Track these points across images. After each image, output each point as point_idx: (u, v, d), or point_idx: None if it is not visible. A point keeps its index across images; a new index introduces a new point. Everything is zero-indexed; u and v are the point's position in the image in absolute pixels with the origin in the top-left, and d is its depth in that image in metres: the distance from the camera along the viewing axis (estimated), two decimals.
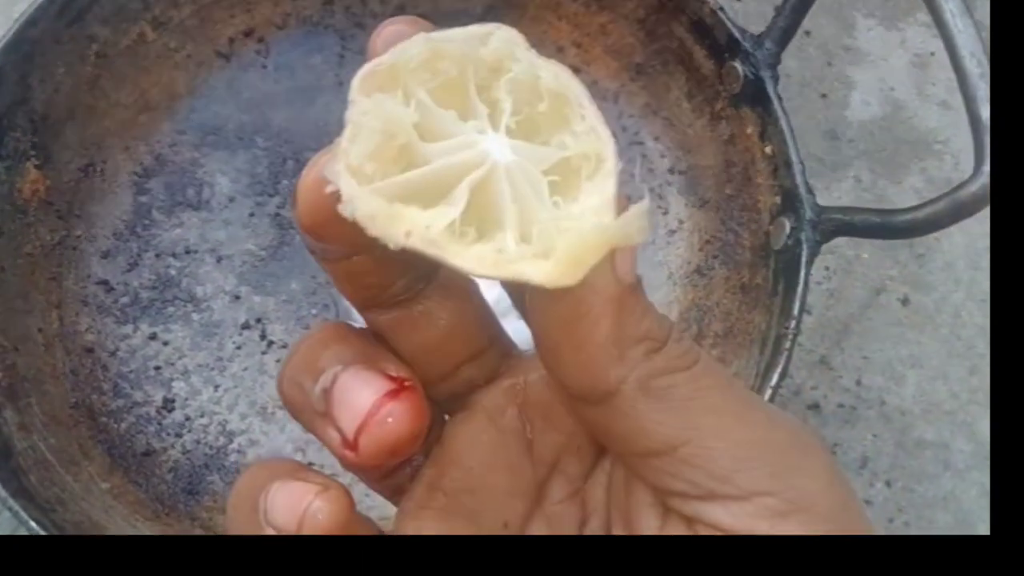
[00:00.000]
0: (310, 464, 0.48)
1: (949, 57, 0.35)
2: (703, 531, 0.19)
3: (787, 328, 0.39)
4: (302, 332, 0.50)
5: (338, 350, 0.20)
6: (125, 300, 0.49)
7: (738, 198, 0.46)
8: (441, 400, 0.21)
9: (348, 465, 0.19)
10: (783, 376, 0.39)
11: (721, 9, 0.45)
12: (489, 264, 0.17)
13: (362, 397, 0.18)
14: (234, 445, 0.48)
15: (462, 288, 0.21)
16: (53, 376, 0.45)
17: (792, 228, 0.41)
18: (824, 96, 0.57)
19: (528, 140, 0.18)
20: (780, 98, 0.43)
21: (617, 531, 0.21)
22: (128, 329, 0.49)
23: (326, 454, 0.49)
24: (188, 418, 0.48)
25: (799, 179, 0.42)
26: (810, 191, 0.41)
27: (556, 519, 0.21)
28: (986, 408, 0.51)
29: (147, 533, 0.42)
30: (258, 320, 0.50)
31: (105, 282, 0.49)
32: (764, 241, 0.44)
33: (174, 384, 0.48)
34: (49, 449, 0.42)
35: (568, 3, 0.52)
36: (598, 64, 0.53)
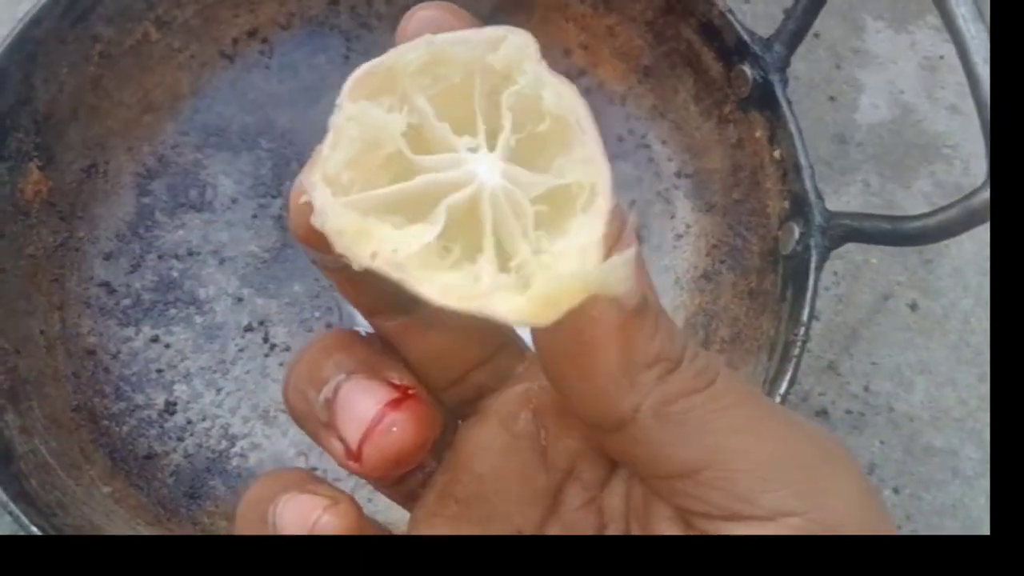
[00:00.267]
0: (314, 469, 0.47)
1: (961, 63, 0.34)
2: None
3: (796, 335, 0.39)
4: (305, 335, 0.50)
5: (341, 359, 0.19)
6: (127, 302, 0.49)
7: (746, 202, 0.46)
8: (452, 405, 0.21)
9: (353, 471, 0.19)
10: (792, 383, 0.38)
11: (730, 11, 0.45)
12: (455, 296, 0.15)
13: (364, 407, 0.18)
14: (236, 449, 0.47)
15: None
16: (55, 379, 0.45)
17: (801, 233, 0.41)
18: (833, 99, 0.57)
19: (527, 161, 0.16)
20: (789, 102, 0.43)
21: None
22: (130, 331, 0.48)
23: (330, 459, 0.49)
24: (190, 421, 0.47)
25: (808, 184, 0.41)
26: (819, 196, 0.41)
27: (572, 527, 0.21)
28: None
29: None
30: (261, 323, 0.50)
31: (107, 284, 0.49)
32: (772, 246, 0.44)
33: (176, 387, 0.48)
34: (50, 452, 0.42)
35: (576, 5, 0.51)
36: (606, 66, 0.52)
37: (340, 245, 0.16)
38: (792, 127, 0.42)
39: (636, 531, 0.20)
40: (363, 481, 0.41)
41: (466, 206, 0.16)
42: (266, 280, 0.50)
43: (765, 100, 0.44)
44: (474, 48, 0.16)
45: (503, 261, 0.16)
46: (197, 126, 0.51)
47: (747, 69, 0.44)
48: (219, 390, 0.48)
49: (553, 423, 0.20)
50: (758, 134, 0.45)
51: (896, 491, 0.49)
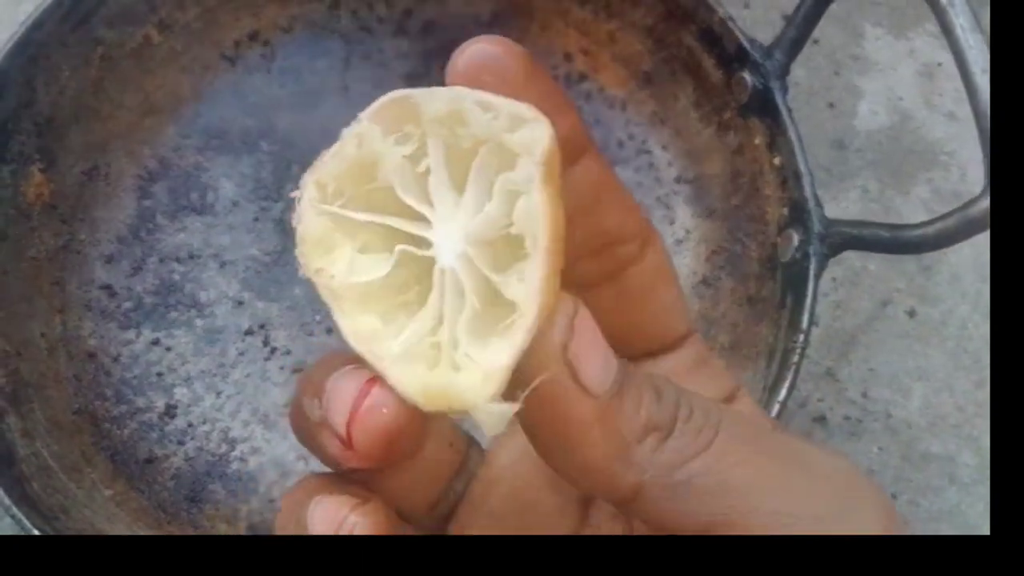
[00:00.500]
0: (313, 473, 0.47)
1: (959, 72, 0.35)
2: None
3: (795, 342, 0.39)
4: (305, 339, 0.50)
5: (335, 364, 0.19)
6: (128, 305, 0.49)
7: (745, 209, 0.46)
8: None
9: (353, 467, 0.19)
10: (791, 391, 0.38)
11: (730, 19, 0.45)
12: (362, 344, 0.16)
13: (347, 390, 0.18)
14: (236, 453, 0.48)
15: None
16: (56, 382, 0.45)
17: (800, 241, 0.41)
18: (832, 105, 0.57)
19: (496, 247, 0.16)
20: (789, 109, 0.43)
21: None
22: (131, 334, 0.48)
23: None
24: (190, 425, 0.48)
25: (808, 191, 0.41)
26: (819, 204, 0.41)
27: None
28: None
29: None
30: (261, 326, 0.50)
31: (108, 287, 0.49)
32: (772, 253, 0.44)
33: (176, 390, 0.48)
34: (52, 456, 0.42)
35: (577, 10, 0.51)
36: (606, 72, 0.52)
37: (300, 246, 0.16)
38: (792, 134, 0.43)
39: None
40: None
41: (421, 264, 0.16)
42: (267, 284, 0.50)
43: (765, 107, 0.44)
44: (491, 122, 0.16)
45: (433, 326, 0.16)
46: (198, 129, 0.51)
47: (747, 76, 0.44)
48: (219, 394, 0.48)
49: None
50: (758, 141, 0.45)
51: (894, 497, 0.50)
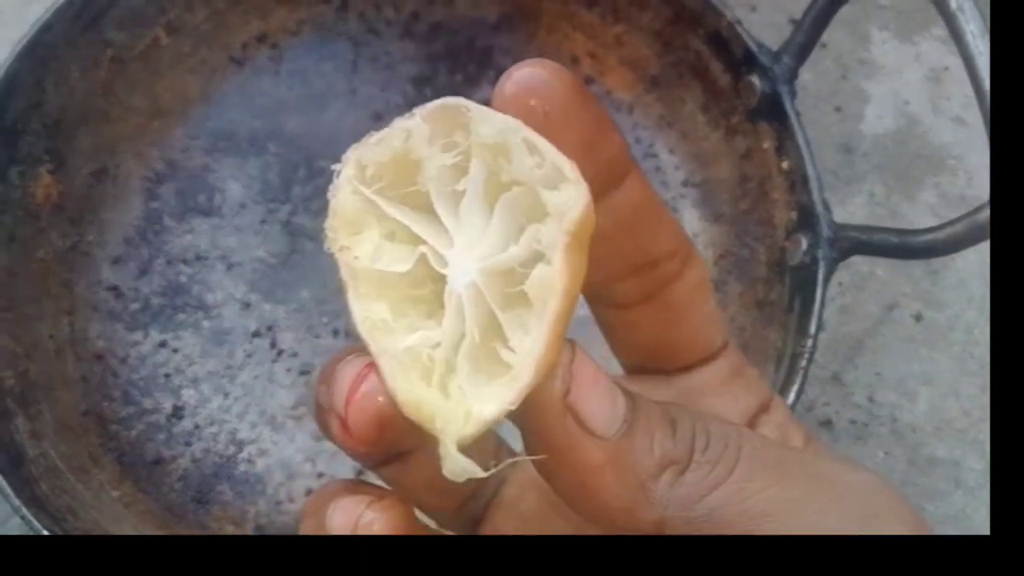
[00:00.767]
0: (321, 475, 0.48)
1: (969, 77, 0.35)
2: None
3: (803, 347, 0.39)
4: (312, 341, 0.50)
5: (347, 354, 0.19)
6: (135, 306, 0.49)
7: (753, 213, 0.46)
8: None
9: (354, 453, 0.19)
10: (799, 395, 0.38)
11: (738, 22, 0.45)
12: (372, 331, 0.16)
13: (348, 374, 0.18)
14: (244, 454, 0.48)
15: None
16: (64, 383, 0.45)
17: (809, 245, 0.41)
18: (839, 109, 0.57)
19: (510, 288, 0.16)
20: (798, 113, 0.43)
21: None
22: (138, 336, 0.48)
23: (336, 463, 0.49)
24: (198, 426, 0.48)
25: (816, 196, 0.41)
26: (827, 208, 0.41)
27: None
28: None
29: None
30: (268, 328, 0.50)
31: (115, 288, 0.49)
32: (780, 257, 0.44)
33: (183, 392, 0.48)
34: (60, 457, 0.42)
35: (584, 13, 0.51)
36: (613, 75, 0.52)
37: (331, 221, 0.16)
38: (800, 139, 0.43)
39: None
40: None
41: (437, 277, 0.16)
42: (274, 286, 0.51)
43: (773, 111, 0.44)
44: (534, 170, 0.16)
45: (438, 343, 0.16)
46: (206, 131, 0.52)
47: (755, 80, 0.44)
48: (227, 395, 0.48)
49: None
50: (766, 145, 0.45)
51: None
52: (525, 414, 0.16)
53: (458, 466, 0.16)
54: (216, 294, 0.50)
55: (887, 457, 0.50)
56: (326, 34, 0.53)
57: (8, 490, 0.36)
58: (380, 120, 0.52)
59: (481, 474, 0.16)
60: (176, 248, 0.50)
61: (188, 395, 0.48)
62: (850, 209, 0.55)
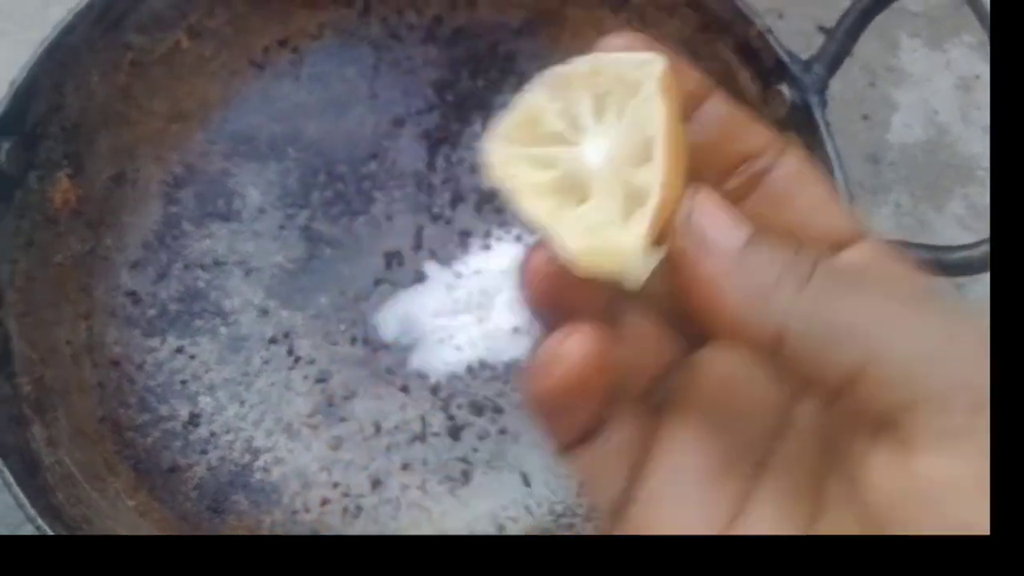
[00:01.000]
0: (336, 484, 0.47)
1: None
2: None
3: None
4: (329, 348, 0.49)
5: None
6: (153, 312, 0.49)
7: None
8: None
9: (533, 308, 0.21)
10: None
11: (769, 31, 0.44)
12: (545, 213, 0.20)
13: (529, 248, 0.21)
14: (259, 463, 0.47)
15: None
16: (80, 389, 0.45)
17: None
18: (866, 118, 0.56)
19: (630, 155, 0.21)
20: (828, 124, 0.42)
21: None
22: (155, 342, 0.48)
23: (351, 473, 0.49)
24: (213, 434, 0.47)
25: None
26: None
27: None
28: None
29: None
30: (285, 335, 0.49)
31: (134, 293, 0.49)
32: None
33: (200, 399, 0.48)
34: (75, 464, 0.42)
35: (609, 19, 0.51)
36: None
37: (490, 174, 0.21)
38: (830, 150, 0.42)
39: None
40: (385, 499, 0.40)
41: (578, 173, 0.21)
42: (292, 292, 0.50)
43: (802, 122, 0.43)
44: (619, 64, 0.21)
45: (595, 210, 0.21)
46: (225, 135, 0.51)
47: (784, 90, 0.43)
48: (243, 403, 0.48)
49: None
50: None
51: None
52: (658, 240, 0.19)
53: (639, 262, 0.19)
54: (234, 300, 0.50)
55: None
56: (347, 38, 0.52)
57: (24, 499, 0.35)
58: (401, 125, 0.52)
59: (661, 253, 0.19)
60: (194, 253, 0.50)
61: (204, 402, 0.48)
62: (876, 220, 0.54)
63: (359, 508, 0.47)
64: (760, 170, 0.22)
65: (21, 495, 0.35)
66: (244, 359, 0.49)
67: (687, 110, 0.21)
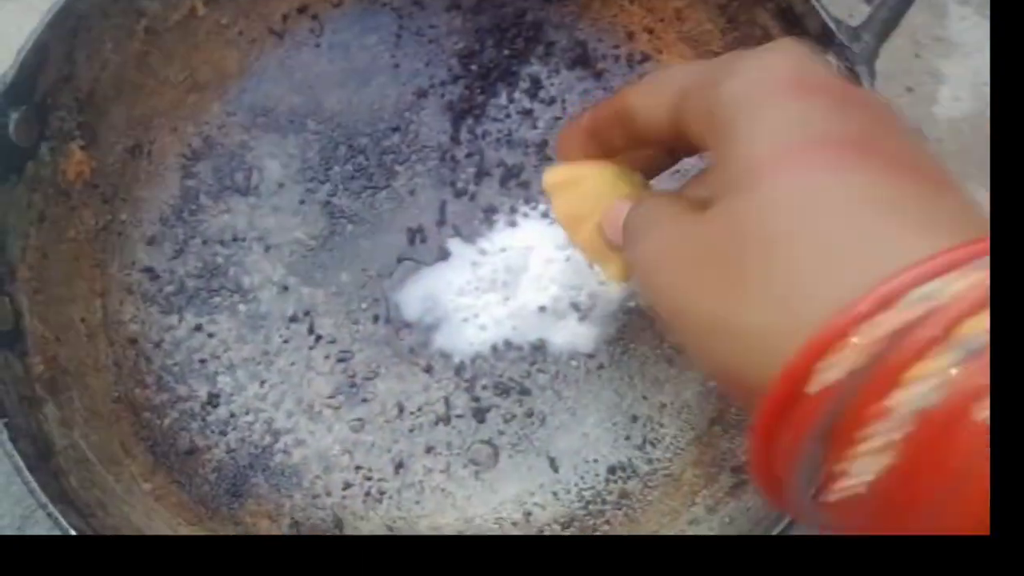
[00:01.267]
0: (358, 467, 0.46)
1: None
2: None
3: None
4: (351, 327, 0.48)
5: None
6: (170, 289, 0.47)
7: None
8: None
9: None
10: None
11: None
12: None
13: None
14: (279, 445, 0.46)
15: None
16: (95, 368, 0.44)
17: None
18: (910, 90, 0.54)
19: None
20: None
21: None
22: (173, 319, 0.47)
23: (373, 456, 0.47)
24: (233, 415, 0.46)
25: None
26: None
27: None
28: None
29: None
30: (306, 313, 0.48)
31: (150, 269, 0.47)
32: None
33: (219, 378, 0.46)
34: (90, 447, 0.40)
35: None
36: (671, 52, 0.49)
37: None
38: None
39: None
40: (408, 483, 0.40)
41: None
42: (312, 268, 0.48)
43: None
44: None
45: None
46: (244, 106, 0.49)
47: (831, 59, 0.41)
48: (263, 382, 0.47)
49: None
50: None
51: None
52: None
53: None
54: (253, 277, 0.48)
55: None
56: (369, 5, 0.50)
57: (35, 485, 0.34)
58: (424, 96, 0.50)
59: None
60: (212, 228, 0.48)
61: (223, 382, 0.46)
62: None
63: (381, 492, 0.46)
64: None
65: (32, 481, 0.34)
66: (264, 337, 0.47)
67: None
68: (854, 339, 0.18)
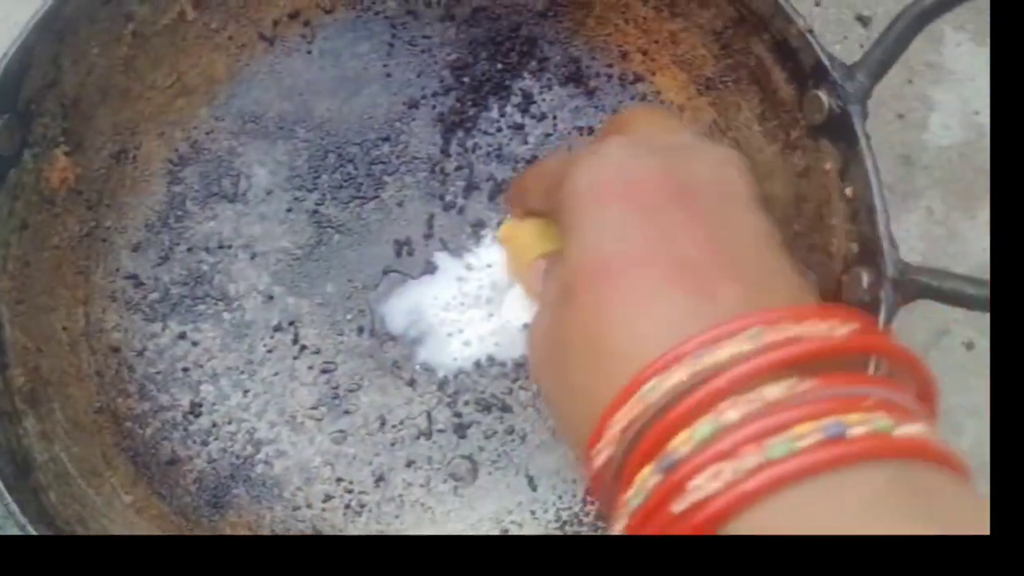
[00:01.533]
0: (339, 479, 0.46)
1: None
2: None
3: None
4: (335, 338, 0.48)
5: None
6: (155, 296, 0.47)
7: (808, 237, 0.43)
8: None
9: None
10: None
11: (811, 31, 0.41)
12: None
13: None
14: (261, 455, 0.46)
15: None
16: (77, 378, 0.43)
17: (870, 283, 0.38)
18: (901, 116, 0.54)
19: None
20: (868, 136, 0.40)
21: None
22: (156, 327, 0.47)
23: (355, 469, 0.48)
24: (215, 424, 0.46)
25: (883, 229, 0.38)
26: (894, 245, 0.38)
27: None
28: None
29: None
30: (291, 323, 0.48)
31: (134, 276, 0.47)
32: (835, 289, 0.41)
33: (202, 387, 0.46)
34: (71, 459, 0.40)
35: (638, 6, 0.48)
36: (664, 74, 0.49)
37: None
38: (869, 164, 0.40)
39: None
40: (388, 496, 0.41)
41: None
42: (298, 278, 0.48)
43: (840, 131, 0.41)
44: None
45: None
46: (232, 112, 0.49)
47: (823, 96, 0.41)
48: (246, 392, 0.47)
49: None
50: (828, 166, 0.42)
51: None
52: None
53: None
54: (238, 285, 0.48)
55: None
56: (362, 13, 0.50)
57: (15, 507, 0.34)
58: (415, 107, 0.49)
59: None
60: (198, 235, 0.48)
61: (206, 391, 0.46)
62: (904, 227, 0.52)
63: (362, 505, 0.46)
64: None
65: (11, 503, 0.34)
66: (248, 346, 0.47)
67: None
68: (614, 429, 0.26)
